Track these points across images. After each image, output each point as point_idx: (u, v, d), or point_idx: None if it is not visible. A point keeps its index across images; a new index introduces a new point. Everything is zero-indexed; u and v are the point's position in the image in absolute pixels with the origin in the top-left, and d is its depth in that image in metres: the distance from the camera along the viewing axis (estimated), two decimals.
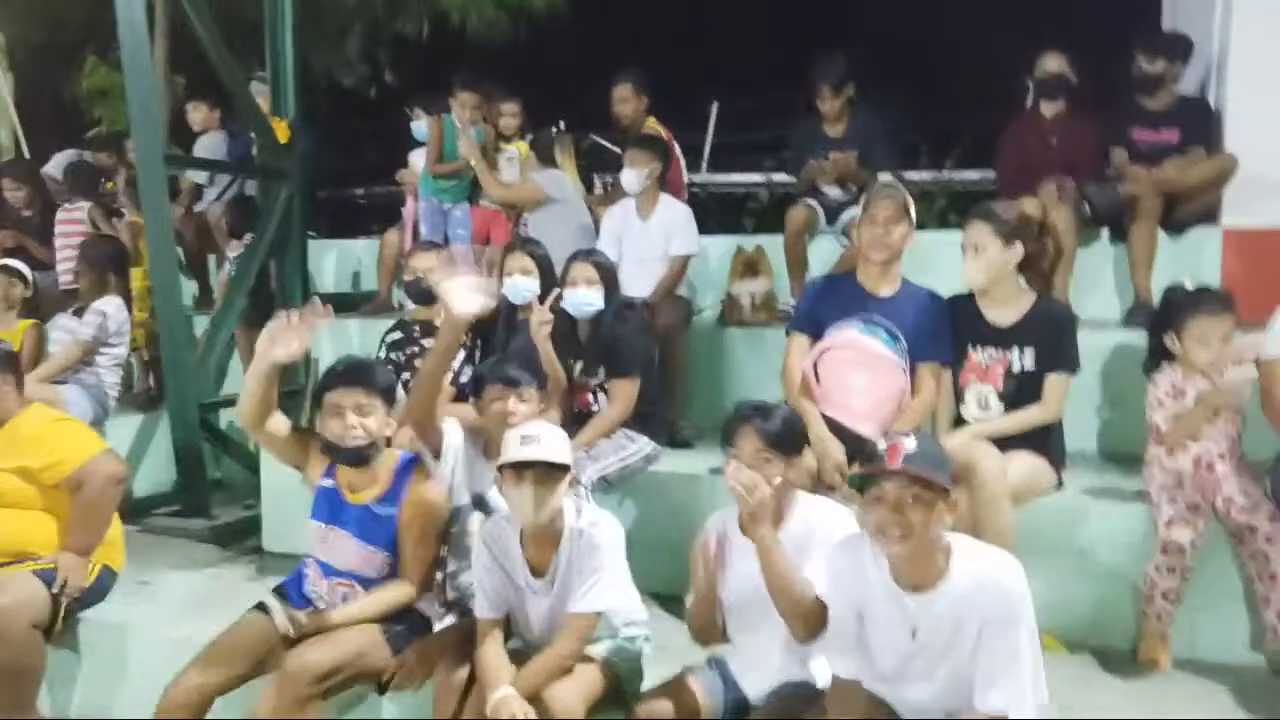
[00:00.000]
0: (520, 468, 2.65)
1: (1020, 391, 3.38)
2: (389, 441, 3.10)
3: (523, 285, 4.03)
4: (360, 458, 2.99)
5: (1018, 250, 3.39)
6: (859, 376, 3.39)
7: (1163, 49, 4.76)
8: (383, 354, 4.20)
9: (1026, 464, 3.28)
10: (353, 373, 3.02)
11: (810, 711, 2.40)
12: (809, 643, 2.51)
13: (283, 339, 2.87)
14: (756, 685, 2.68)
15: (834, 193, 5.18)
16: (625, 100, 5.59)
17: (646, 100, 5.60)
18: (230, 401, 5.43)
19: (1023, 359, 3.38)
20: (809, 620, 2.47)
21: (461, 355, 4.10)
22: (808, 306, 3.66)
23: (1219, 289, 3.32)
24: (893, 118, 5.68)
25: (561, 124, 5.76)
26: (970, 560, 2.28)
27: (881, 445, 2.27)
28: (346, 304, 6.29)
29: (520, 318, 4.10)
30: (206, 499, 4.90)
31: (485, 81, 5.53)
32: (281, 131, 5.40)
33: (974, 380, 3.44)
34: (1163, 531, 3.07)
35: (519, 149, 5.60)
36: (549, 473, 2.66)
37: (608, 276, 3.89)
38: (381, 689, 3.06)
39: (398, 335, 4.24)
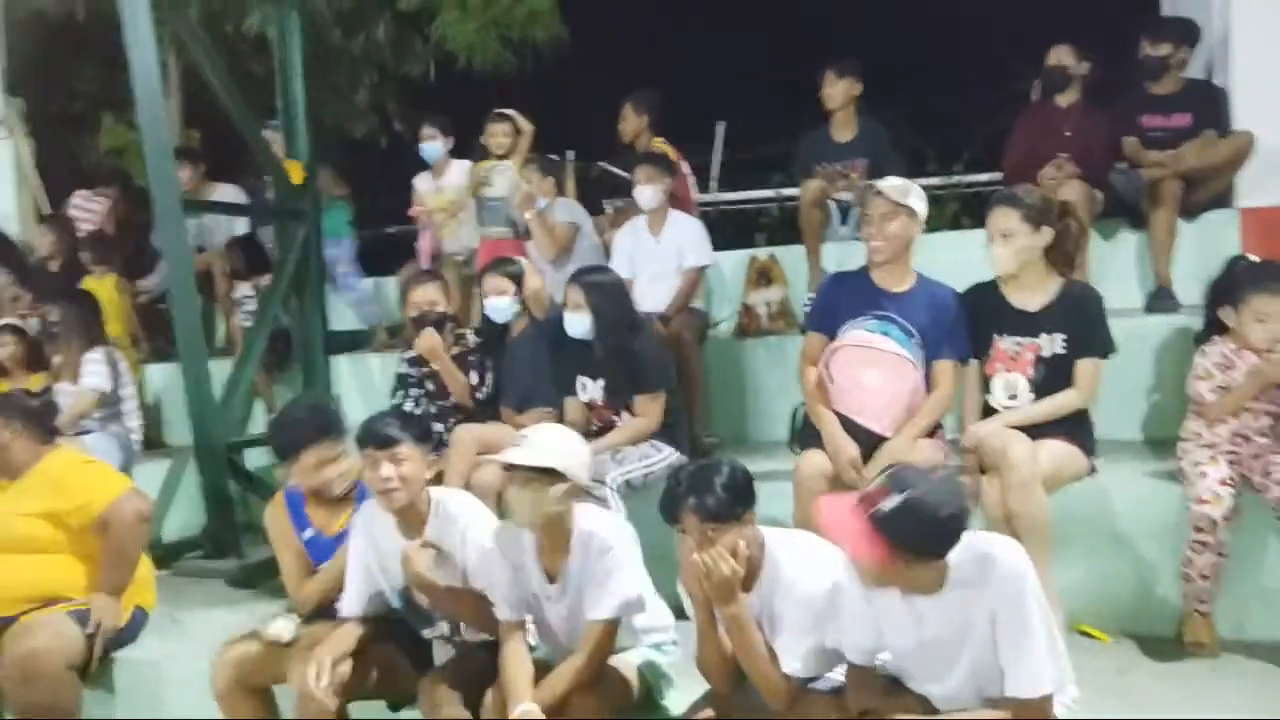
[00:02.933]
0: (511, 469, 2.69)
1: (1050, 377, 3.32)
2: None
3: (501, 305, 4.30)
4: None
5: (1046, 234, 3.33)
6: (870, 374, 3.36)
7: (1167, 32, 4.75)
8: (403, 369, 4.47)
9: (1058, 450, 3.22)
10: (313, 429, 3.15)
11: (833, 701, 2.39)
12: (780, 712, 2.49)
13: None
14: None
15: (845, 195, 5.15)
16: (625, 119, 5.68)
17: (647, 119, 5.64)
18: (255, 442, 5.50)
19: (1053, 344, 3.32)
20: (777, 694, 2.47)
21: (474, 376, 4.31)
22: (822, 305, 3.64)
23: None
24: (899, 125, 5.70)
25: (570, 153, 5.80)
26: (967, 550, 2.23)
27: (874, 484, 2.26)
28: (365, 340, 6.35)
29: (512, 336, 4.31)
30: (237, 539, 4.89)
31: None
32: (296, 172, 5.46)
33: (1001, 369, 3.39)
34: (1194, 507, 3.01)
35: (511, 164, 5.55)
36: (536, 475, 2.65)
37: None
38: (395, 707, 3.13)
39: (413, 353, 4.45)
